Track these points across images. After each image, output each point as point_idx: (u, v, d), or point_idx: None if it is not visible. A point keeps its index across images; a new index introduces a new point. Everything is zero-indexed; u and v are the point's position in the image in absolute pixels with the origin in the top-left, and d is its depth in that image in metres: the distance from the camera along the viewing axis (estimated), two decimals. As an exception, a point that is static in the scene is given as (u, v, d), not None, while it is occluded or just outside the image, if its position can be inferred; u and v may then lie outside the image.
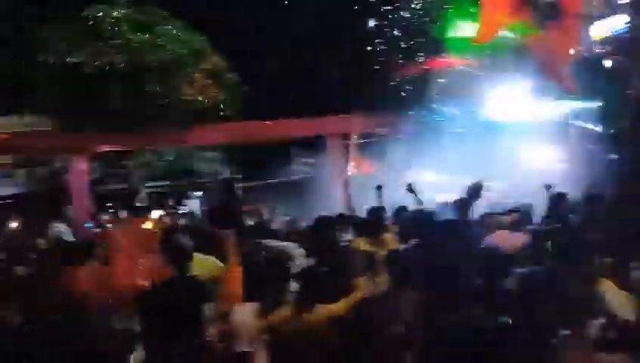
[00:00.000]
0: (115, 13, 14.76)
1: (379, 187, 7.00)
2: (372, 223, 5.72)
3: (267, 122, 13.47)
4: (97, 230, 9.52)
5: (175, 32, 15.54)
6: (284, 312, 2.98)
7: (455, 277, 2.56)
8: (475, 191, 4.74)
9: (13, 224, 9.81)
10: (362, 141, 13.60)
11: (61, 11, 13.96)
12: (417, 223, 4.95)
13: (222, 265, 4.12)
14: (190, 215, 11.98)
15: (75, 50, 14.10)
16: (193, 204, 13.45)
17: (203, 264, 3.89)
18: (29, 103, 14.14)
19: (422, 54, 14.13)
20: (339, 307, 2.92)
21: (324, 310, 2.90)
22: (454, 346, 2.05)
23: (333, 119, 13.61)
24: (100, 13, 14.59)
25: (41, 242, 7.67)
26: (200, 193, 13.70)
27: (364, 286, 3.18)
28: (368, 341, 2.34)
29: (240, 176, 15.18)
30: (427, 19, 14.66)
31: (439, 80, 12.96)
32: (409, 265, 3.00)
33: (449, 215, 4.83)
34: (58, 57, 13.97)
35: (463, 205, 4.55)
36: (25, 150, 12.92)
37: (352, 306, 2.82)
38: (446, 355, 2.00)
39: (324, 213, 6.90)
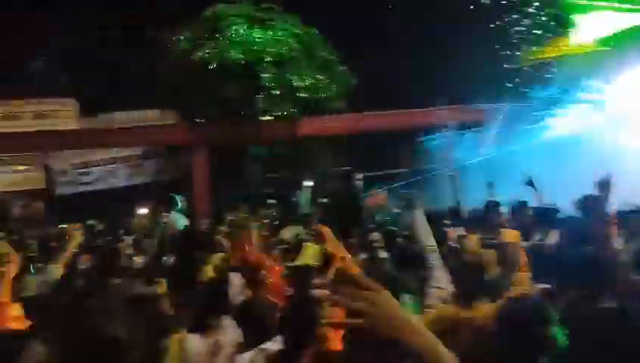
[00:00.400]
0: (234, 11, 15.41)
1: (490, 184, 6.69)
2: (489, 218, 5.48)
3: (378, 114, 13.35)
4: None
5: (289, 26, 15.93)
6: (443, 308, 2.84)
7: (603, 273, 2.35)
8: (605, 186, 4.36)
9: (142, 212, 10.49)
10: (478, 131, 13.07)
11: (184, 12, 14.78)
12: (544, 219, 4.65)
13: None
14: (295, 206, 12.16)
15: (198, 47, 14.93)
16: (304, 195, 13.67)
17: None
18: (155, 97, 15.17)
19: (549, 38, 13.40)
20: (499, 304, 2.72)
21: (486, 307, 2.72)
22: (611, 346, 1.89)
23: (446, 109, 13.23)
24: (221, 12, 15.31)
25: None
26: (310, 184, 13.87)
27: (523, 282, 3.00)
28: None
29: (353, 168, 15.27)
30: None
31: (567, 66, 12.16)
32: (556, 260, 2.78)
33: (577, 211, 4.49)
34: (182, 54, 14.87)
35: (594, 202, 4.19)
36: (151, 142, 13.81)
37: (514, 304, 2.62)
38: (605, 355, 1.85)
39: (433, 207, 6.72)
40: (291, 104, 15.37)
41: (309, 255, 3.90)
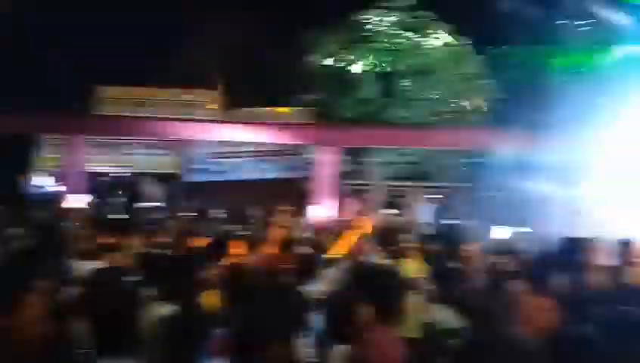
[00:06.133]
0: (387, 19, 15.36)
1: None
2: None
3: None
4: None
5: (439, 36, 15.47)
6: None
7: None
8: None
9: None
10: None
11: (330, 16, 15.08)
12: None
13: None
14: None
15: (343, 52, 15.16)
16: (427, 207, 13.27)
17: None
18: (294, 96, 15.76)
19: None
20: None
21: None
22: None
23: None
24: (372, 19, 15.36)
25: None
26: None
27: None
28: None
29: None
30: None
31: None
32: None
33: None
34: (327, 57, 15.20)
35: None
36: (286, 138, 14.17)
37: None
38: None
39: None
40: (428, 113, 14.95)
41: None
